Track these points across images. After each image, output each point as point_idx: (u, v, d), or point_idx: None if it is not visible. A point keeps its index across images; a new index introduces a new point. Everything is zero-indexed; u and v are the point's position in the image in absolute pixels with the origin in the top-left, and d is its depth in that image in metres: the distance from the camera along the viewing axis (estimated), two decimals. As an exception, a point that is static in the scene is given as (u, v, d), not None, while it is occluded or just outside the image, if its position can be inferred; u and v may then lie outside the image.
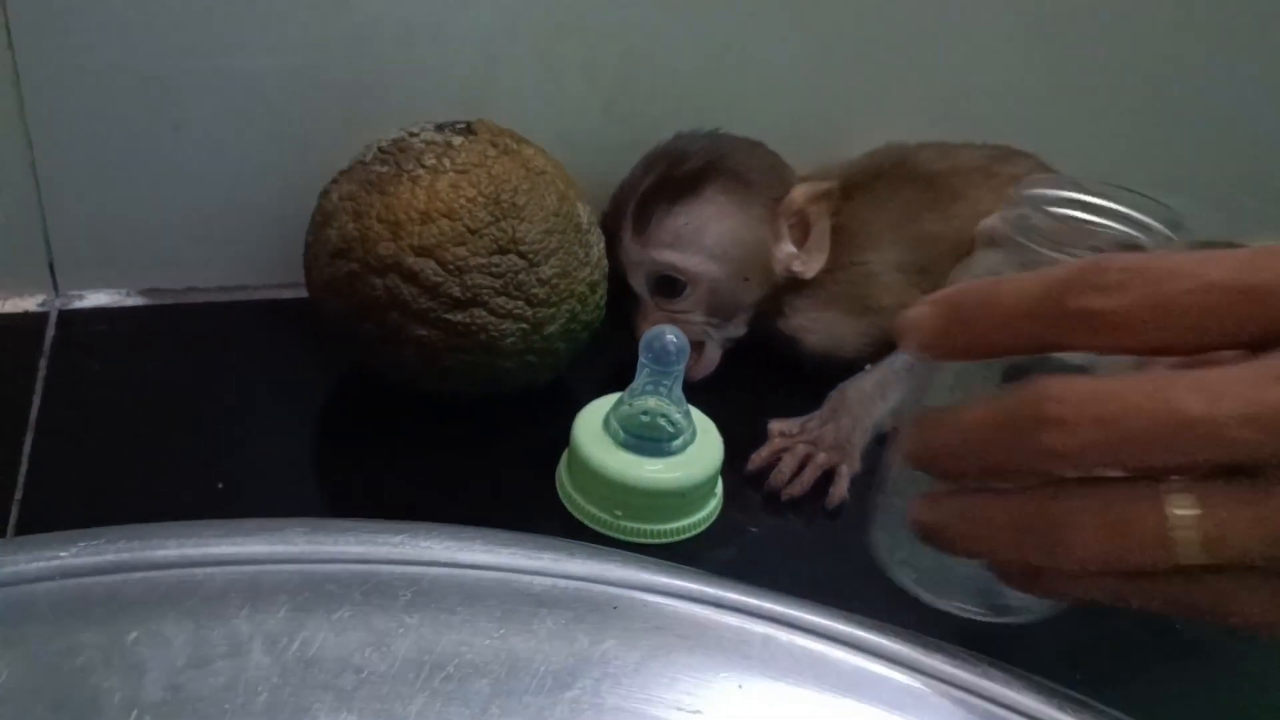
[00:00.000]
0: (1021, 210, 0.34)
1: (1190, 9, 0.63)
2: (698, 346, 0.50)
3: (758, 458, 0.45)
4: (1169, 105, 0.67)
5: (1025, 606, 0.38)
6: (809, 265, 0.50)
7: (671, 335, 0.40)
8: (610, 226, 0.49)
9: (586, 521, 0.41)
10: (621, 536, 0.41)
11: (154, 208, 0.50)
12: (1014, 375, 0.35)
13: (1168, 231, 0.34)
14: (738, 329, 0.51)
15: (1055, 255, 0.33)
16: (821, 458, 0.45)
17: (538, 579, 0.32)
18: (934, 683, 0.31)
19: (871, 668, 0.32)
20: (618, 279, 0.49)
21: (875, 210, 0.51)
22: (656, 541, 0.41)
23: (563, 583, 0.32)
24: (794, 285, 0.51)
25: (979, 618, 0.38)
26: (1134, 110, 0.66)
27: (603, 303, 0.46)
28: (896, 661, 0.32)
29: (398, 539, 0.33)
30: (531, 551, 0.33)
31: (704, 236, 0.48)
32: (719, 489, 0.44)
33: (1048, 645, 0.39)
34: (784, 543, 0.43)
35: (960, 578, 0.39)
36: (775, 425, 0.47)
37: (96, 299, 0.51)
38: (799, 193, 0.49)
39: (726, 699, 0.31)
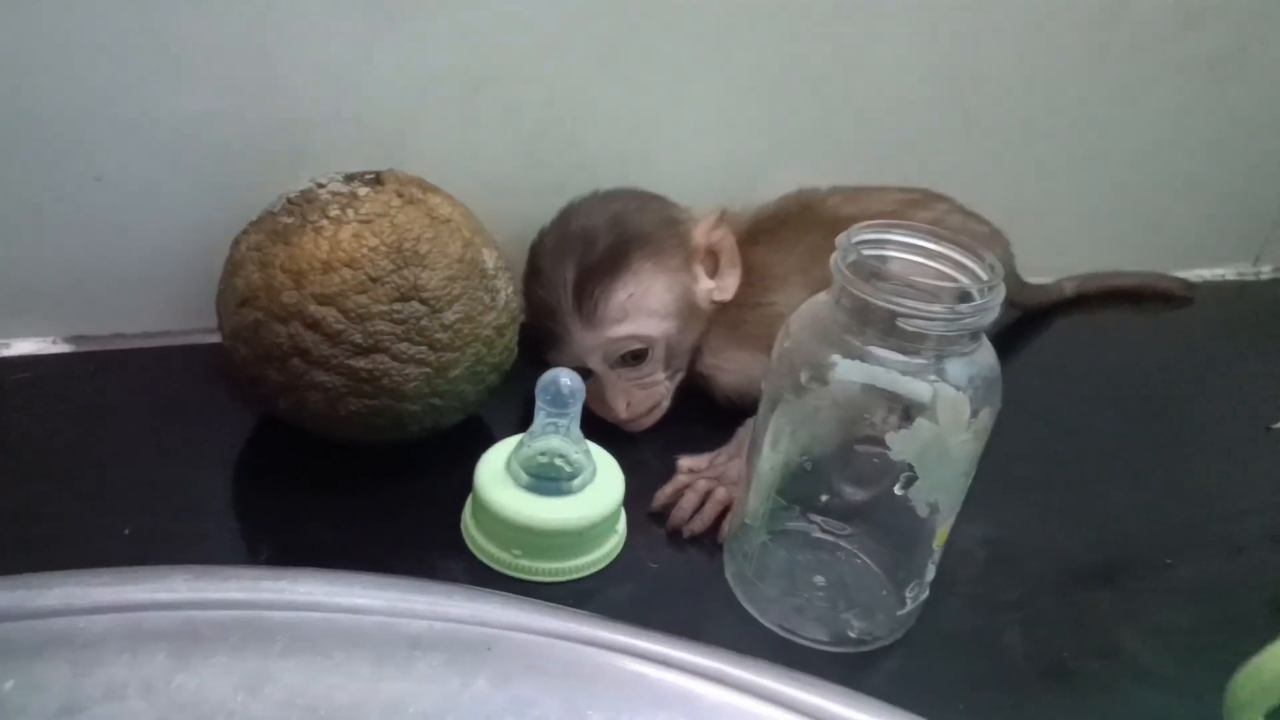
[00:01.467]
0: (848, 254, 0.36)
1: (1094, 56, 0.65)
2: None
3: (661, 495, 0.47)
4: (1077, 148, 0.68)
5: (864, 639, 0.41)
6: (726, 288, 0.52)
7: (565, 378, 0.42)
8: (548, 322, 0.50)
9: (487, 561, 0.42)
10: (521, 575, 0.42)
11: (79, 256, 0.51)
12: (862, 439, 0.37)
13: (987, 276, 0.36)
14: (683, 373, 0.53)
15: (874, 300, 0.35)
16: (721, 493, 0.46)
17: (415, 622, 0.33)
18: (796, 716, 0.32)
19: (738, 702, 0.33)
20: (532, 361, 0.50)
21: (782, 254, 0.52)
22: (555, 580, 0.42)
23: (439, 625, 0.33)
24: (712, 323, 0.52)
25: (832, 649, 0.40)
26: (1044, 153, 0.68)
27: (512, 345, 0.48)
28: (762, 696, 0.33)
29: (279, 584, 0.34)
30: (410, 594, 0.34)
31: (648, 301, 0.50)
32: (622, 525, 0.45)
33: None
34: (683, 579, 0.44)
35: (812, 613, 0.41)
36: (684, 462, 0.49)
37: (23, 346, 0.52)
38: (699, 232, 0.52)
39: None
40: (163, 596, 0.33)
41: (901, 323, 0.35)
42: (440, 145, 0.53)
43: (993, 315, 0.35)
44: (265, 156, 0.51)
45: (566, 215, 0.52)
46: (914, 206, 0.55)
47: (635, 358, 0.50)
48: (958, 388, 0.36)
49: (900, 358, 0.36)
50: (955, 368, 0.36)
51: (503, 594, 0.36)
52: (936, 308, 0.35)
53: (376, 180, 0.45)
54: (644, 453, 0.50)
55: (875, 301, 0.35)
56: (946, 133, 0.64)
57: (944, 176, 0.60)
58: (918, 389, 0.36)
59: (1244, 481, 0.56)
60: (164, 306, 0.53)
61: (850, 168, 0.59)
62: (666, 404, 0.52)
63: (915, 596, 0.40)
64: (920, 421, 0.37)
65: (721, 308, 0.52)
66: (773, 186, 0.57)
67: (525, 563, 0.42)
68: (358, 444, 0.46)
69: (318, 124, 0.51)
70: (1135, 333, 0.72)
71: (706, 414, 0.52)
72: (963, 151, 0.65)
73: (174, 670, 0.31)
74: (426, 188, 0.46)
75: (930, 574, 0.40)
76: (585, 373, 0.50)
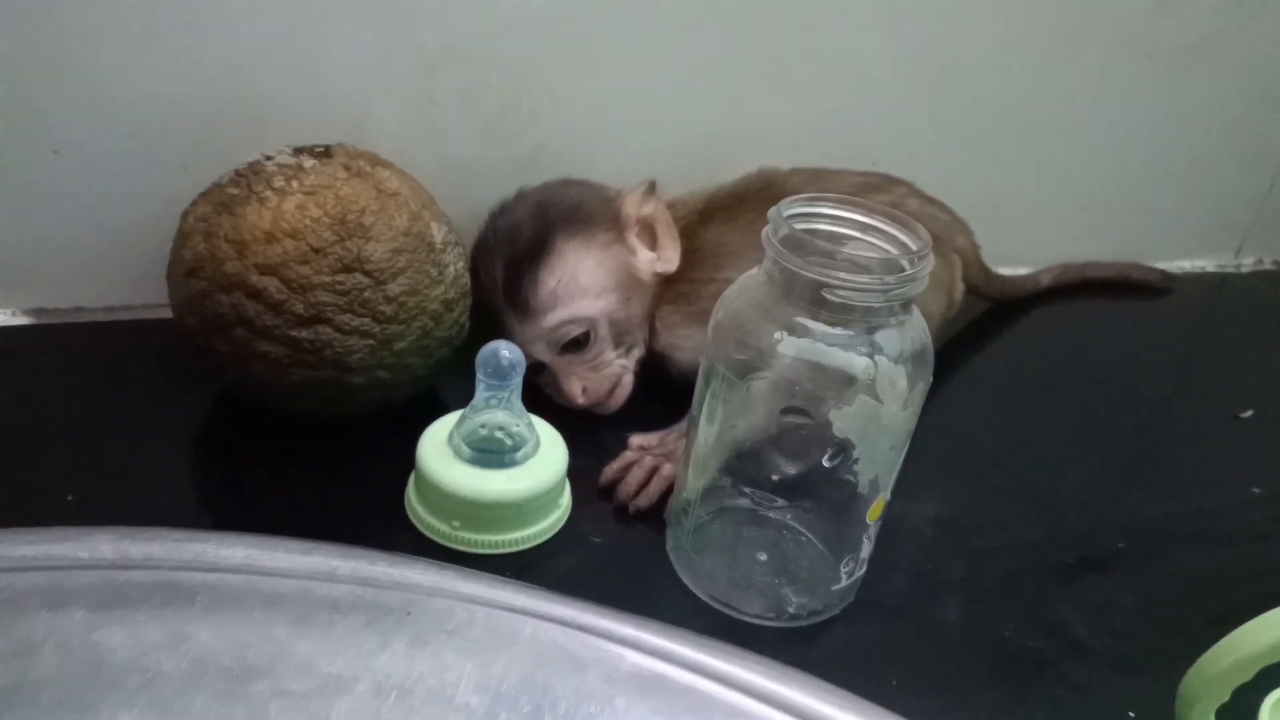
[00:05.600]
0: (778, 227, 0.36)
1: (1068, 42, 0.65)
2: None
3: (609, 470, 0.47)
4: (1052, 135, 0.68)
5: (800, 613, 0.40)
6: (668, 260, 0.52)
7: (505, 350, 0.42)
8: (493, 324, 0.50)
9: (428, 534, 0.42)
10: (460, 547, 0.42)
11: (38, 230, 0.51)
12: (789, 410, 0.37)
13: (916, 246, 0.35)
14: (640, 349, 0.53)
15: (801, 270, 0.35)
16: (668, 469, 0.46)
17: (337, 586, 0.34)
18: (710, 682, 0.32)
19: (655, 667, 0.33)
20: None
21: (739, 231, 0.52)
22: (496, 552, 0.42)
23: (360, 589, 0.34)
24: (666, 300, 0.52)
25: (769, 623, 0.40)
26: (1019, 141, 0.67)
27: (462, 320, 0.48)
28: (679, 663, 0.33)
29: (203, 547, 0.34)
30: (333, 559, 0.34)
31: (579, 282, 0.50)
32: (566, 500, 0.45)
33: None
34: (625, 553, 0.44)
35: (751, 587, 0.41)
36: (635, 439, 0.49)
37: (-18, 319, 0.52)
38: (629, 204, 0.51)
39: (504, 695, 0.32)
40: (85, 555, 0.33)
41: (828, 294, 0.35)
42: (399, 123, 0.53)
43: (921, 286, 0.35)
44: (225, 134, 0.51)
45: (494, 214, 0.52)
46: (870, 190, 0.55)
47: (579, 342, 0.50)
48: (893, 361, 0.36)
49: (835, 330, 0.36)
50: (888, 341, 0.36)
51: (425, 560, 0.36)
52: (864, 278, 0.35)
53: (325, 153, 0.45)
54: (600, 431, 0.51)
55: (805, 273, 0.35)
56: (919, 121, 0.64)
57: (917, 165, 0.60)
58: (859, 363, 0.36)
59: (1205, 469, 0.56)
60: (125, 281, 0.53)
61: (817, 153, 0.59)
62: (630, 380, 0.52)
63: (851, 572, 0.40)
64: (862, 398, 0.37)
65: (675, 283, 0.52)
66: (736, 169, 0.57)
67: (465, 534, 0.42)
68: (309, 417, 0.46)
69: (279, 102, 0.51)
70: (1111, 324, 0.72)
71: (665, 393, 0.52)
72: (936, 140, 0.65)
73: (91, 627, 0.31)
74: (377, 162, 0.46)
75: (866, 549, 0.40)
76: (538, 365, 0.50)
